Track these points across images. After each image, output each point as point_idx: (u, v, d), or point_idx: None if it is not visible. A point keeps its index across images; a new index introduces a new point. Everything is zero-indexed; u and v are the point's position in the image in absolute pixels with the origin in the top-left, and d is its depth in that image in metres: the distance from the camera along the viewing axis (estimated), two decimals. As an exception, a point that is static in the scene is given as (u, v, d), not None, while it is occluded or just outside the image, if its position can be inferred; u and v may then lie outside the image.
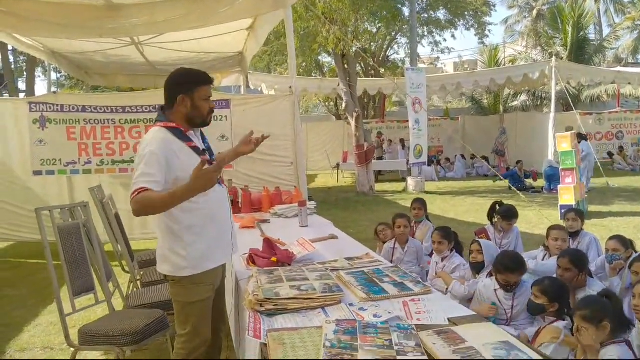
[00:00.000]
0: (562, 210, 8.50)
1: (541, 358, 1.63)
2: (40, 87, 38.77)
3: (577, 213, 4.81)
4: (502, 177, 12.51)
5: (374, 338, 1.78)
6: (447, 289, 3.90)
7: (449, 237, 4.34)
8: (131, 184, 2.33)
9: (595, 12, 27.27)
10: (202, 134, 2.70)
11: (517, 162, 13.49)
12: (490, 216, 5.21)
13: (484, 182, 14.80)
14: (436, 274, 4.25)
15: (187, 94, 2.50)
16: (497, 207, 5.12)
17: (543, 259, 4.21)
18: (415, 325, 1.92)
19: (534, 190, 12.45)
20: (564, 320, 2.87)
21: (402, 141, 17.55)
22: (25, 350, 4.03)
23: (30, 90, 18.45)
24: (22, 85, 20.65)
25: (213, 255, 2.56)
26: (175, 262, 2.49)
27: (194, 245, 2.48)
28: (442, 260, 4.28)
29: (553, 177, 11.46)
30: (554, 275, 3.47)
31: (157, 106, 3.33)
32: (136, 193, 2.26)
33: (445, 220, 8.70)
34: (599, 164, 12.89)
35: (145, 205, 2.27)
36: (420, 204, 5.61)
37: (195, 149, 2.51)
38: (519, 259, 3.45)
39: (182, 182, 2.28)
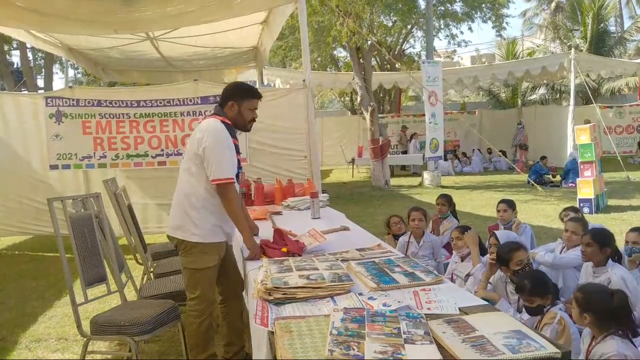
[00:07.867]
0: (581, 204, 8.36)
1: (555, 350, 1.57)
2: (58, 84, 39.16)
3: (572, 209, 4.83)
4: (520, 172, 12.28)
5: (382, 326, 1.74)
6: (469, 272, 3.83)
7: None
8: (219, 166, 2.87)
9: (617, 3, 26.64)
10: None
11: (542, 158, 13.26)
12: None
13: (502, 177, 14.61)
14: (452, 276, 4.14)
15: (236, 101, 3.03)
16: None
17: (561, 252, 4.13)
18: (426, 314, 1.88)
19: (552, 184, 12.27)
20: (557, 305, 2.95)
21: (414, 135, 17.36)
22: (41, 341, 4.08)
23: (48, 87, 18.64)
24: (40, 82, 20.91)
25: (219, 231, 3.04)
26: (188, 228, 2.96)
27: (206, 219, 2.96)
28: (462, 260, 4.19)
29: (572, 171, 11.24)
30: (573, 267, 3.43)
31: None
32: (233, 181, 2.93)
33: (461, 215, 8.55)
34: (619, 158, 12.66)
35: (232, 199, 2.94)
36: (445, 199, 5.51)
37: (236, 146, 3.05)
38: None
39: None
